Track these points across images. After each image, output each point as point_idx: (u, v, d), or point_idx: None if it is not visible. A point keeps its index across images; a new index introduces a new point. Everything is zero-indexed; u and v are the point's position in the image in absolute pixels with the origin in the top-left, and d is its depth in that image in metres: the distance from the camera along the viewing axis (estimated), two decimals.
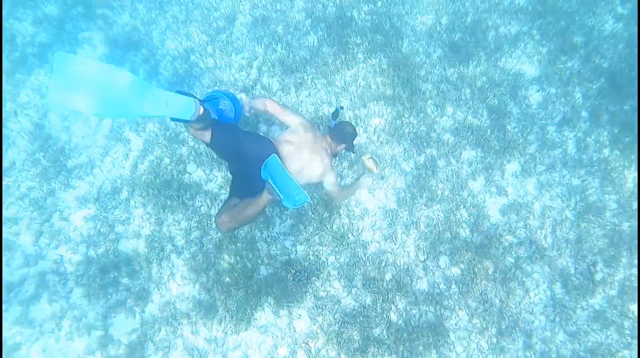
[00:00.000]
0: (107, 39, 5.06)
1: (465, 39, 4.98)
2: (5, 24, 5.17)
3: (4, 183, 4.36)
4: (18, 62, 4.93)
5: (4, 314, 3.87)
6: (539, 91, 4.75)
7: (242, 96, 4.56)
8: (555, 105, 4.67)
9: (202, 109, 3.13)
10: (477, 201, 4.24)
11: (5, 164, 4.43)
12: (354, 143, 3.98)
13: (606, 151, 4.46)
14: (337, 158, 4.33)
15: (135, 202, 4.24)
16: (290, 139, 3.65)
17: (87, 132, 4.56)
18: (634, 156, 4.40)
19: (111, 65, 2.83)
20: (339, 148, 3.88)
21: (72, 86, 2.73)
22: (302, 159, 3.61)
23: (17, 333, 3.79)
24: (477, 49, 4.92)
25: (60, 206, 4.26)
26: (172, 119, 3.20)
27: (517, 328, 3.79)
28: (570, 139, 4.52)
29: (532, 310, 3.86)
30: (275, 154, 3.36)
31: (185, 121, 3.16)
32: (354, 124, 4.21)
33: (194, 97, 3.08)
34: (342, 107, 4.03)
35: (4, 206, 4.26)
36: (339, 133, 3.84)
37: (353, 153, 4.13)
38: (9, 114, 4.64)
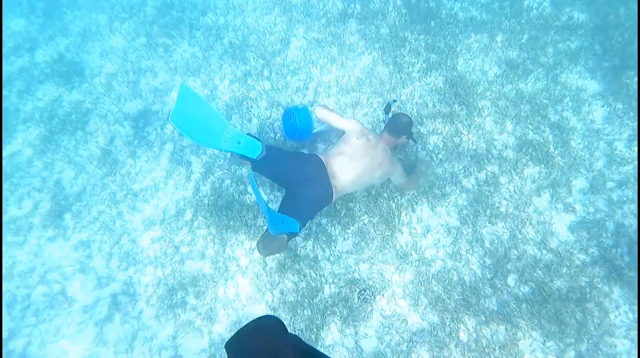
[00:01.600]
0: (167, 66, 5.35)
1: (522, 56, 5.02)
2: (75, 58, 5.56)
3: (75, 208, 4.62)
4: (87, 92, 5.26)
5: (80, 334, 4.07)
6: (603, 106, 4.71)
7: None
8: (623, 120, 4.62)
9: (265, 151, 3.66)
10: (544, 218, 4.21)
11: (76, 189, 4.71)
12: (413, 131, 4.15)
13: None
14: (401, 152, 4.53)
15: (198, 223, 4.41)
16: (343, 149, 3.84)
17: (150, 157, 4.80)
18: None
19: (209, 104, 3.58)
20: (399, 141, 4.09)
21: (185, 110, 3.50)
22: (357, 167, 3.79)
23: (94, 352, 3.97)
24: (535, 65, 4.95)
25: (128, 229, 4.48)
26: (239, 154, 3.64)
27: (599, 352, 3.70)
28: None
29: (614, 333, 3.76)
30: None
31: (249, 159, 3.68)
32: (408, 116, 4.19)
33: (260, 141, 3.60)
34: (395, 101, 4.26)
35: (77, 230, 4.52)
36: (395, 127, 4.05)
37: (415, 142, 4.32)
38: (79, 142, 4.95)
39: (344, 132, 4.04)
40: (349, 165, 3.77)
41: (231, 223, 4.35)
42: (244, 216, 4.35)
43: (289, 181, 3.75)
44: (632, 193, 4.25)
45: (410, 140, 4.29)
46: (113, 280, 4.30)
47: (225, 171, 4.60)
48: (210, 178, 4.60)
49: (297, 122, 4.16)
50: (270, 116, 4.84)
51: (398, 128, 4.05)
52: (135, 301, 4.18)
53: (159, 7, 6.01)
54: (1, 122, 5.28)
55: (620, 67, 4.91)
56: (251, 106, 4.92)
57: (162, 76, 5.33)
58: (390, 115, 4.18)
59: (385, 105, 4.30)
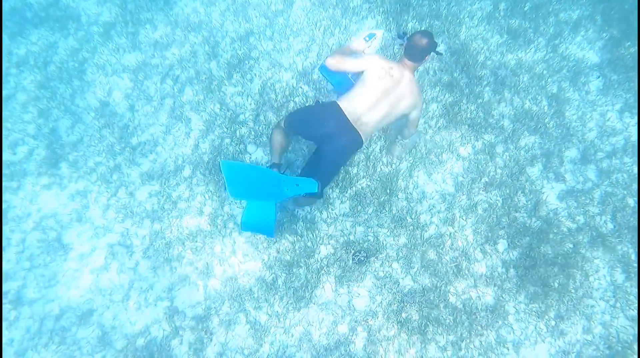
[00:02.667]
0: (168, 19, 5.20)
1: (524, 25, 4.97)
2: (71, 2, 5.35)
3: (72, 157, 4.56)
4: (83, 40, 5.11)
5: (76, 281, 4.09)
6: (599, 77, 4.71)
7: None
8: (617, 91, 4.63)
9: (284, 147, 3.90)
10: (535, 187, 4.27)
11: (73, 139, 4.63)
12: (435, 44, 3.74)
13: None
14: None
15: (197, 180, 4.39)
16: (364, 91, 3.69)
17: (149, 111, 4.72)
18: None
19: (253, 165, 3.87)
20: (423, 62, 3.81)
21: (238, 182, 3.61)
22: (383, 109, 3.69)
23: (89, 299, 4.00)
24: (536, 35, 4.90)
25: (125, 182, 4.44)
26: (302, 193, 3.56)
27: (577, 312, 3.83)
28: (632, 125, 4.49)
29: (592, 295, 3.89)
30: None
31: (312, 194, 3.65)
32: (426, 34, 3.72)
33: (313, 180, 3.52)
34: (405, 33, 3.83)
35: (73, 180, 4.47)
36: (417, 51, 3.69)
37: (441, 54, 3.88)
38: (76, 91, 4.83)
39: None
40: (375, 108, 3.67)
41: None
42: None
43: (314, 139, 3.78)
44: (619, 162, 4.31)
45: (435, 54, 3.83)
46: (110, 230, 4.29)
47: (225, 129, 4.54)
48: (210, 135, 4.55)
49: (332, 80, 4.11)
50: (271, 77, 4.75)
51: (421, 52, 3.68)
52: (131, 252, 4.19)
53: None
54: (0, 120, 5.08)
55: (619, 38, 4.89)
56: (253, 66, 4.83)
57: (162, 29, 5.17)
58: (406, 38, 3.76)
59: (398, 32, 3.99)
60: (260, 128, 4.52)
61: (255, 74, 4.79)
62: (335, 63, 3.81)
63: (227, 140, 4.50)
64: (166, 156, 4.51)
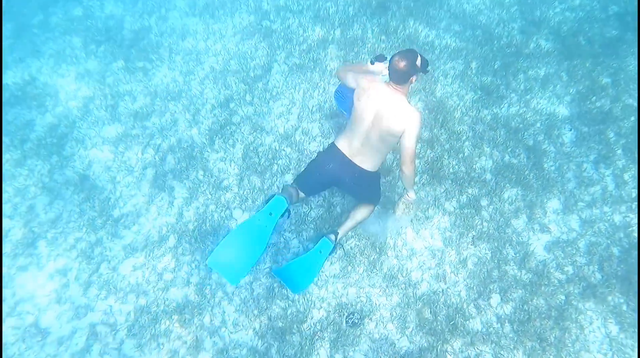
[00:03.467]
0: (147, 90, 5.29)
1: (496, 82, 5.22)
2: (48, 80, 5.42)
3: (50, 235, 4.46)
4: (61, 116, 5.15)
5: None
6: (571, 129, 4.93)
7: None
8: (589, 143, 4.84)
9: (293, 194, 3.83)
10: (522, 238, 4.35)
11: (51, 216, 4.56)
12: (418, 64, 3.48)
13: None
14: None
15: (182, 249, 4.33)
16: (352, 120, 3.69)
17: (131, 182, 4.70)
18: None
19: (228, 236, 3.68)
20: (410, 85, 3.60)
21: (232, 262, 3.66)
22: (374, 135, 3.60)
23: None
24: (508, 91, 5.15)
25: (108, 256, 4.35)
26: (282, 214, 3.69)
27: None
28: (608, 176, 4.67)
29: (589, 348, 3.89)
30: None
31: (286, 211, 3.70)
32: (406, 55, 3.46)
33: (278, 195, 3.65)
34: (382, 56, 3.67)
35: (52, 258, 4.36)
36: (398, 75, 3.46)
37: (427, 72, 3.62)
38: (54, 167, 4.80)
39: None
40: (367, 135, 3.62)
41: None
42: None
43: (330, 186, 4.03)
44: (599, 211, 4.44)
45: (421, 74, 3.63)
46: (91, 309, 4.15)
47: (209, 196, 4.54)
48: (194, 203, 4.54)
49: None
50: (254, 141, 4.83)
51: (402, 74, 3.44)
52: (115, 331, 4.04)
53: (136, 31, 5.95)
54: (1, 122, 5.02)
55: (585, 93, 5.17)
56: (234, 131, 4.91)
57: (142, 100, 5.25)
58: (387, 61, 3.59)
59: (376, 56, 3.73)
60: (244, 193, 4.54)
61: (237, 139, 4.87)
62: (341, 72, 3.81)
63: (212, 207, 4.49)
64: (150, 226, 4.46)
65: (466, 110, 4.99)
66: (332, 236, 3.92)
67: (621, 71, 5.35)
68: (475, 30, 5.68)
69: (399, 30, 5.61)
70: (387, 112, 3.49)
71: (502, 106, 5.03)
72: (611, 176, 4.70)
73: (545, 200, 4.54)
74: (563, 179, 4.66)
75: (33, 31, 6.20)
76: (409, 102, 3.54)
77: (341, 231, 3.98)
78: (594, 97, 5.12)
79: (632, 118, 4.98)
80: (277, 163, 4.69)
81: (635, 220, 4.41)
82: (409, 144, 3.50)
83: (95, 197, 4.64)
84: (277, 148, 4.78)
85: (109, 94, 5.29)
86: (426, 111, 4.96)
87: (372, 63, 3.66)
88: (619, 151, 4.83)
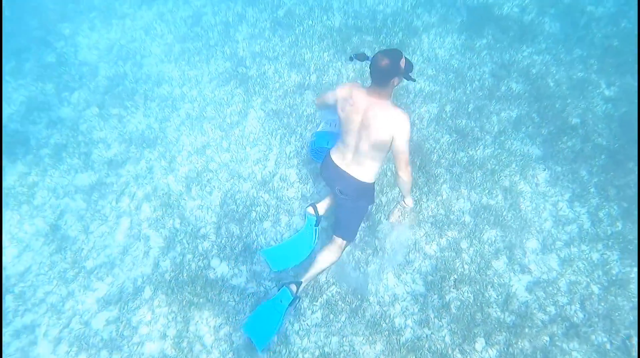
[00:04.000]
0: (122, 137, 5.25)
1: (470, 124, 5.35)
2: (19, 128, 5.34)
3: (18, 289, 4.31)
4: (32, 164, 5.05)
5: None
6: (545, 170, 5.05)
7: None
8: (563, 182, 4.96)
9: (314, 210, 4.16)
10: (503, 280, 4.36)
11: (20, 268, 4.41)
12: (401, 65, 3.34)
13: (619, 224, 4.69)
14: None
15: (159, 301, 4.22)
16: (341, 131, 3.68)
17: (105, 232, 4.60)
18: None
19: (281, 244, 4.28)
20: (394, 85, 3.41)
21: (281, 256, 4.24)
22: (364, 143, 3.53)
23: None
24: (482, 133, 5.27)
25: (79, 310, 4.21)
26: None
27: None
28: (583, 214, 4.76)
29: None
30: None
31: (312, 244, 4.21)
32: (389, 53, 3.33)
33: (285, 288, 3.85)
34: (363, 55, 3.45)
35: (19, 314, 4.19)
36: (378, 75, 3.31)
37: (413, 81, 3.50)
38: (24, 217, 4.68)
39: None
40: (357, 144, 3.58)
41: (194, 299, 4.20)
42: (208, 293, 4.21)
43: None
44: (577, 250, 4.50)
45: (404, 79, 3.49)
46: None
47: (187, 245, 4.47)
48: (170, 253, 4.45)
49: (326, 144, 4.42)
50: (231, 188, 4.81)
51: (382, 74, 3.28)
52: None
53: (111, 78, 5.96)
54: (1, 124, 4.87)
55: (556, 133, 5.32)
56: (212, 178, 4.88)
57: (117, 147, 5.21)
58: (369, 60, 3.41)
59: (355, 54, 3.49)
60: (222, 241, 4.48)
61: (214, 186, 4.84)
62: (319, 99, 3.89)
63: (189, 256, 4.42)
64: (124, 278, 4.35)
65: (442, 153, 5.07)
66: (294, 287, 3.82)
67: (589, 111, 5.55)
68: (448, 74, 5.85)
69: None
70: (372, 121, 3.40)
71: (477, 148, 5.13)
72: (586, 214, 4.79)
73: (524, 240, 4.59)
74: (540, 219, 4.73)
75: (5, 78, 6.14)
76: (393, 105, 3.43)
77: (304, 281, 3.88)
78: (565, 138, 5.28)
79: (603, 156, 5.12)
80: (255, 210, 4.66)
81: (613, 257, 4.48)
82: (401, 148, 3.44)
83: (67, 248, 4.52)
84: (255, 194, 4.76)
85: (83, 142, 5.23)
86: None
87: (350, 59, 3.50)
88: (592, 190, 4.94)
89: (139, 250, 4.50)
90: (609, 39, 6.42)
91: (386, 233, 4.53)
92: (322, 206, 4.19)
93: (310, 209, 4.16)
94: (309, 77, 5.82)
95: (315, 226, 4.15)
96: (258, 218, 4.60)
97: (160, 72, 6.05)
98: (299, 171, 4.94)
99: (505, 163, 5.04)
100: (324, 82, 5.74)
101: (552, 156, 5.15)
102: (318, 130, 4.56)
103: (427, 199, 4.72)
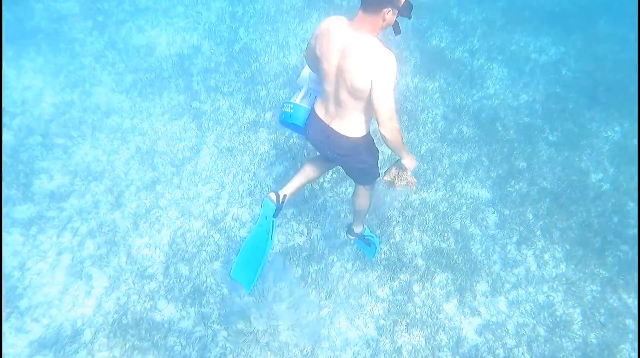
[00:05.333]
0: (66, 169, 5.10)
1: (422, 166, 5.51)
2: None
3: None
4: None
5: None
6: (494, 212, 5.25)
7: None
8: (511, 225, 5.16)
9: (276, 197, 3.45)
10: (454, 323, 4.46)
11: None
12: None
13: (563, 267, 4.92)
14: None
15: (99, 345, 4.05)
16: (323, 85, 3.11)
17: (43, 269, 4.41)
18: (588, 270, 4.87)
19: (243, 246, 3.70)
20: (382, 20, 2.80)
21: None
22: (343, 89, 2.96)
23: None
24: (434, 175, 5.44)
25: (10, 354, 3.97)
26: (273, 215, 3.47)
27: None
28: (530, 256, 4.96)
29: None
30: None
31: (274, 212, 3.45)
32: None
33: (265, 198, 3.48)
34: None
35: None
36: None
37: (410, 17, 2.90)
38: None
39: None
40: (336, 92, 3.02)
41: (138, 343, 4.05)
42: (153, 336, 4.08)
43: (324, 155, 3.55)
44: (525, 292, 4.67)
45: (398, 15, 2.89)
46: None
47: (132, 285, 4.33)
48: (114, 293, 4.30)
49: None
50: (181, 226, 4.73)
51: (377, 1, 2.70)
52: None
53: (57, 105, 5.80)
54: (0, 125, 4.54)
55: (505, 176, 5.57)
56: (161, 215, 4.79)
57: (60, 179, 5.04)
58: None
59: None
60: (170, 282, 4.38)
61: (163, 224, 4.74)
62: (307, 53, 3.26)
63: (135, 297, 4.28)
64: (62, 319, 4.16)
65: (395, 195, 5.18)
66: (273, 196, 3.41)
67: (534, 155, 5.85)
68: (402, 116, 6.03)
69: None
70: (349, 61, 2.80)
71: (429, 191, 5.28)
72: (532, 256, 4.99)
73: (475, 283, 4.72)
74: (489, 262, 4.89)
75: None
76: (378, 42, 2.80)
77: (286, 190, 3.50)
78: (513, 181, 5.52)
79: (547, 200, 5.38)
80: (205, 250, 4.59)
81: (557, 298, 4.67)
82: (381, 98, 2.78)
83: None
84: (206, 234, 4.70)
85: (22, 172, 5.02)
86: None
87: None
88: (538, 232, 5.17)
89: (80, 289, 4.32)
90: (552, 86, 6.83)
91: (339, 276, 4.55)
92: (288, 191, 3.52)
93: (272, 196, 3.45)
94: (264, 115, 5.86)
95: (273, 217, 3.45)
96: (208, 258, 4.53)
97: (110, 102, 5.93)
98: (252, 210, 4.92)
99: (456, 206, 5.20)
100: (277, 120, 5.78)
101: (501, 199, 5.36)
102: (296, 101, 3.57)
103: (380, 242, 4.78)
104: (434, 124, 6.07)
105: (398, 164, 3.38)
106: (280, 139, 5.60)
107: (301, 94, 3.60)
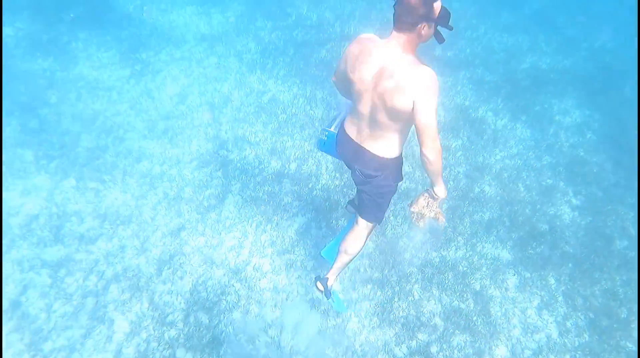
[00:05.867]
0: (97, 212, 5.29)
1: (443, 224, 5.55)
2: None
3: None
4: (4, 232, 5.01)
5: None
6: (514, 275, 5.24)
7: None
8: (532, 289, 5.13)
9: None
10: None
11: None
12: (436, 8, 2.61)
13: (586, 336, 4.84)
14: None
15: None
16: (357, 106, 3.02)
17: (68, 312, 4.53)
18: (613, 342, 4.79)
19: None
20: (422, 34, 2.68)
21: None
22: (376, 110, 2.89)
23: None
24: (455, 233, 5.48)
25: None
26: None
27: None
28: (551, 323, 4.91)
29: None
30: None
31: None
32: None
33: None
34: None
35: None
36: (404, 15, 2.59)
37: (450, 29, 2.71)
38: None
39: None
40: (366, 121, 3.02)
41: None
42: None
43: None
44: None
45: (437, 28, 2.73)
46: None
47: (152, 331, 4.42)
48: (135, 339, 4.39)
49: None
50: (203, 274, 4.84)
51: (408, 13, 2.57)
52: None
53: (92, 149, 6.07)
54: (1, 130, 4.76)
55: (526, 238, 5.57)
56: (184, 263, 4.91)
57: (90, 222, 5.22)
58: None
59: None
60: (190, 330, 4.45)
61: (186, 271, 4.86)
62: (336, 77, 3.22)
63: (154, 344, 4.37)
64: None
65: (415, 252, 5.23)
66: (320, 285, 3.88)
67: (557, 218, 5.86)
68: (424, 172, 6.11)
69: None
70: (387, 82, 2.70)
71: (449, 249, 5.32)
72: (554, 323, 4.94)
73: (494, 347, 4.68)
74: (509, 326, 4.85)
75: None
76: (417, 61, 2.71)
77: (330, 276, 3.89)
78: (534, 243, 5.52)
79: (570, 265, 5.35)
80: (225, 299, 4.67)
81: None
82: (425, 118, 2.66)
83: (26, 327, 4.41)
84: (227, 282, 4.79)
85: (56, 214, 5.23)
86: (377, 252, 5.16)
87: None
88: (560, 298, 5.13)
89: (101, 334, 4.42)
90: (575, 149, 6.88)
91: (357, 332, 4.56)
92: None
93: (349, 208, 3.93)
94: (289, 166, 6.03)
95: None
96: (228, 308, 4.61)
97: (142, 147, 6.18)
98: (273, 261, 5.02)
99: (476, 266, 5.22)
100: (302, 171, 5.94)
101: (522, 261, 5.35)
102: (330, 129, 3.60)
103: (399, 299, 4.81)
104: (456, 181, 6.15)
105: (429, 193, 3.23)
106: (304, 191, 5.73)
107: (337, 122, 3.58)
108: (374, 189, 3.35)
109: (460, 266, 5.21)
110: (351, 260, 3.88)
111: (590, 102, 7.91)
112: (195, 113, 6.78)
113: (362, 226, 3.66)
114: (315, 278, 4.07)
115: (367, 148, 3.13)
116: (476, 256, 5.33)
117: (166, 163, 5.99)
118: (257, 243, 5.16)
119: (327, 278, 3.91)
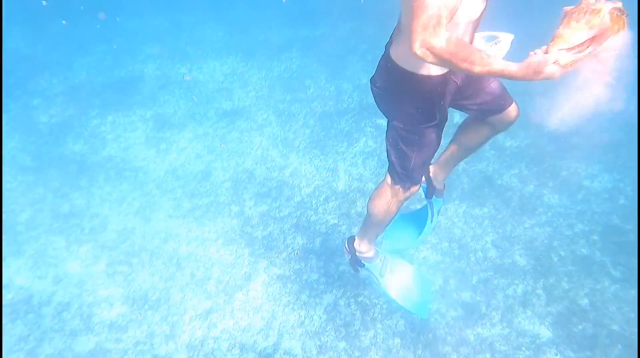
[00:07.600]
0: (126, 297, 5.37)
1: (475, 298, 5.48)
2: (24, 283, 5.47)
3: None
4: (33, 325, 5.10)
5: None
6: (557, 354, 5.07)
7: None
8: None
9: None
10: None
11: None
12: None
13: None
14: None
15: None
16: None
17: None
18: None
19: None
20: None
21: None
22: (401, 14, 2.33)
23: None
24: (489, 309, 5.38)
25: None
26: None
27: None
28: None
29: None
30: None
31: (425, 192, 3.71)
32: None
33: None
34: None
35: None
36: None
37: None
38: None
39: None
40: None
41: None
42: None
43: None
44: None
45: None
46: None
47: None
48: None
49: None
50: None
51: None
52: None
53: (120, 232, 6.23)
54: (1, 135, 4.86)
55: (566, 314, 5.41)
56: (214, 349, 4.91)
57: (119, 308, 5.29)
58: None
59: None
60: None
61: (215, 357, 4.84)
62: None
63: None
64: None
65: (449, 329, 5.14)
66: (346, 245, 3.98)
67: (597, 292, 5.70)
68: (451, 243, 6.12)
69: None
70: None
71: (484, 326, 5.21)
72: None
73: None
74: None
75: (16, 228, 6.40)
76: None
77: (358, 237, 3.95)
78: (575, 319, 5.35)
79: (619, 346, 5.12)
80: None
81: None
82: None
83: None
84: None
85: (86, 302, 5.32)
86: (408, 330, 5.09)
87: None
88: None
89: None
90: (608, 216, 6.78)
91: None
92: (437, 169, 3.37)
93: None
94: (314, 241, 6.08)
95: (427, 198, 3.37)
96: None
97: (169, 228, 6.32)
98: (303, 343, 4.98)
99: (514, 345, 5.08)
100: (327, 246, 5.99)
101: (564, 340, 5.18)
102: None
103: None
104: (484, 252, 6.10)
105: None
106: (330, 266, 5.75)
107: None
108: (392, 124, 2.86)
109: (497, 345, 5.08)
110: (376, 226, 3.52)
111: (619, 167, 7.82)
112: (219, 190, 6.94)
113: (387, 181, 3.24)
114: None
115: (389, 54, 2.59)
116: (514, 334, 5.20)
117: (192, 243, 6.10)
118: (286, 325, 5.14)
119: (354, 238, 3.82)
